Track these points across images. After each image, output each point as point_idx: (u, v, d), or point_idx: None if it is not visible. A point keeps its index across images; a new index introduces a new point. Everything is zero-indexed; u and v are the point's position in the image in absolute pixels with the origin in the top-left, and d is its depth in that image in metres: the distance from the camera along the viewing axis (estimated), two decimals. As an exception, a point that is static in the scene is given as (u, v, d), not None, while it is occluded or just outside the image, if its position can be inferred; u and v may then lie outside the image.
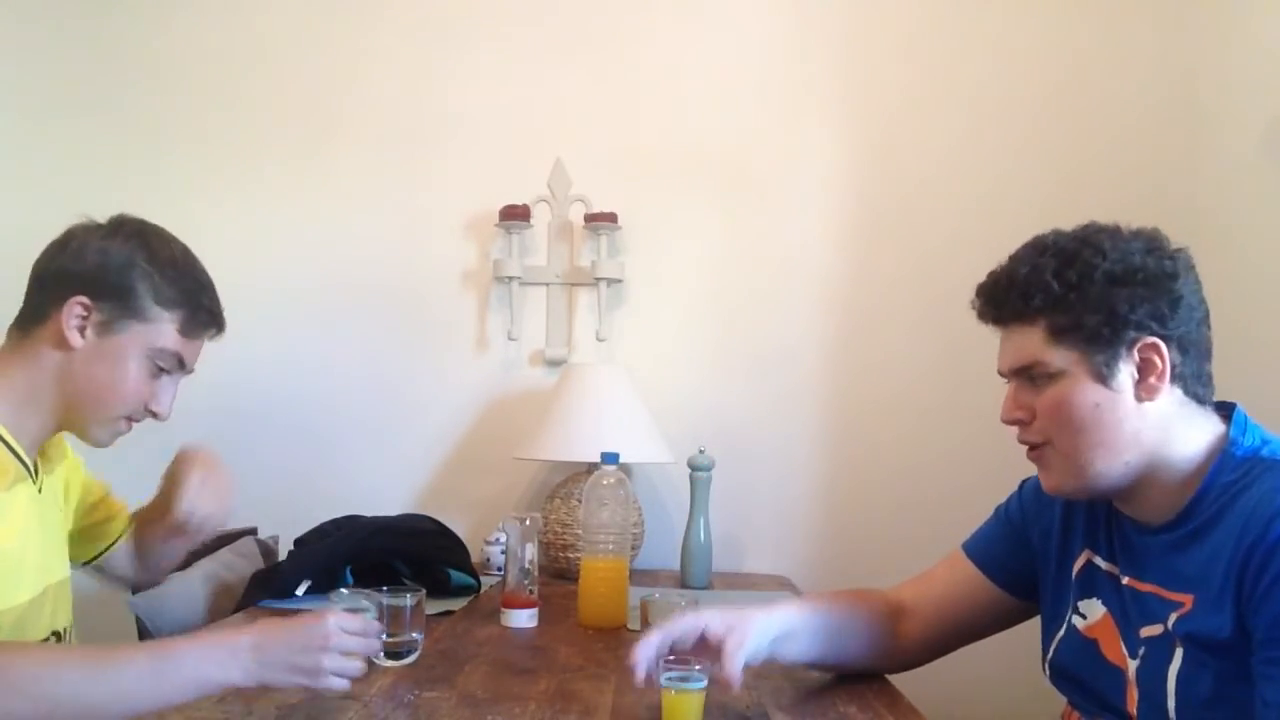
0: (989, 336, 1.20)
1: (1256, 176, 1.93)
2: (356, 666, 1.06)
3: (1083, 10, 2.21)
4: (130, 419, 1.29)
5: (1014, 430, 1.16)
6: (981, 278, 1.16)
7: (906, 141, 2.23)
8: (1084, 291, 1.05)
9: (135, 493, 1.53)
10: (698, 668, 1.05)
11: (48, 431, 1.28)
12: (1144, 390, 1.06)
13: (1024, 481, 1.33)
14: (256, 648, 1.02)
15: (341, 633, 1.05)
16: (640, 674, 1.06)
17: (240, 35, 2.31)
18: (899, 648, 1.31)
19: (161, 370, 1.28)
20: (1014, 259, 1.13)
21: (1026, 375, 1.11)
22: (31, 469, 1.27)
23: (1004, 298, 1.11)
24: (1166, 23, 2.18)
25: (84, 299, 1.22)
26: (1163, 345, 1.05)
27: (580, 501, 1.96)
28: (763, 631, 1.16)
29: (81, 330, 1.22)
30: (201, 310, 1.30)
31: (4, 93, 2.34)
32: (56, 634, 1.30)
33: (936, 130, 2.22)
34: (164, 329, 1.26)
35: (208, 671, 1.00)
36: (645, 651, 1.08)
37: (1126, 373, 1.06)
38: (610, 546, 1.55)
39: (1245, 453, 1.05)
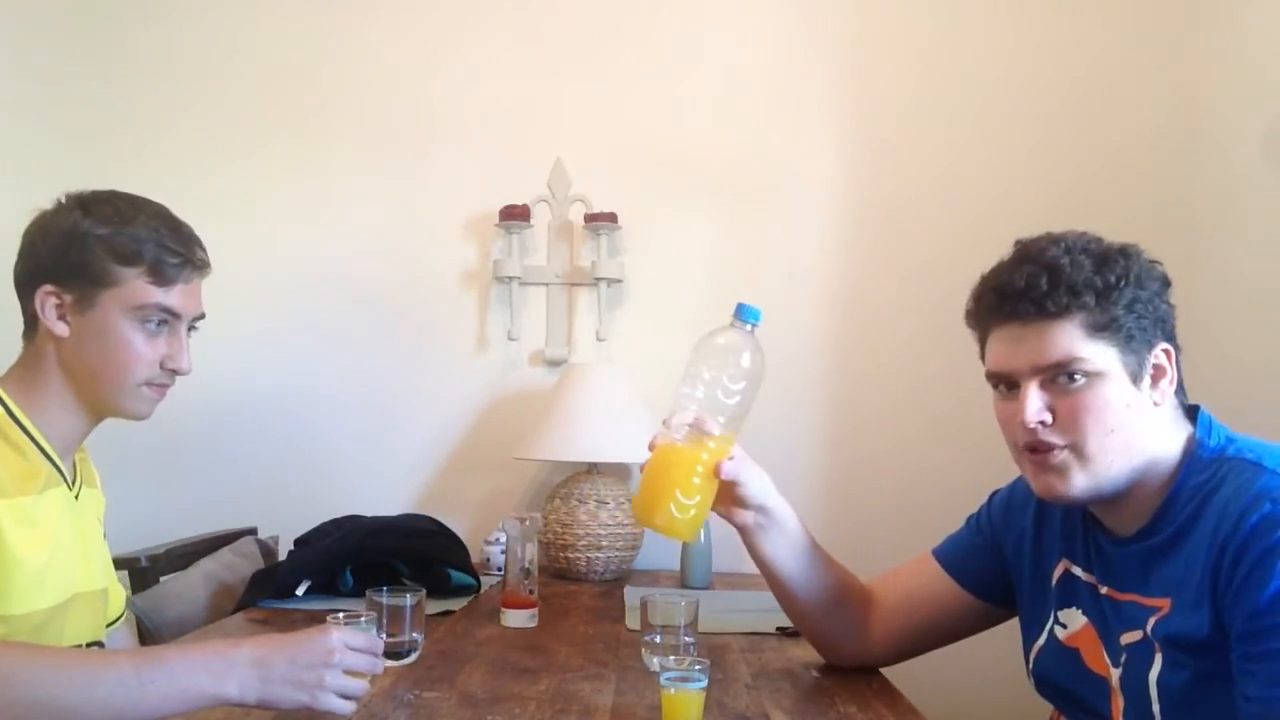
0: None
1: (1256, 178, 1.93)
2: (361, 686, 1.02)
3: (1083, 14, 2.21)
4: (152, 384, 1.25)
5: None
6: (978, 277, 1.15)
7: (908, 143, 2.23)
8: (1122, 291, 1.05)
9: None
10: (698, 667, 1.05)
11: (80, 429, 1.27)
12: (1158, 395, 1.07)
13: (993, 494, 1.34)
14: (257, 661, 0.97)
15: (345, 648, 1.00)
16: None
17: (238, 34, 2.31)
18: (868, 634, 1.33)
19: (159, 326, 1.24)
20: (1046, 254, 1.07)
21: (1053, 374, 1.06)
22: (66, 474, 1.25)
23: (1048, 291, 1.05)
24: (1167, 25, 2.18)
25: (49, 286, 1.21)
26: (1173, 351, 1.07)
27: (580, 501, 1.96)
28: (767, 486, 1.27)
29: (61, 317, 1.21)
30: (166, 252, 1.23)
31: (9, 98, 2.33)
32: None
33: (938, 132, 2.22)
34: (135, 286, 1.22)
35: (199, 683, 0.94)
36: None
37: (1147, 376, 1.07)
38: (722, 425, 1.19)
39: (1211, 453, 1.06)
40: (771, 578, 1.33)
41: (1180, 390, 1.10)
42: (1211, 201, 2.07)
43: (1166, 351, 1.07)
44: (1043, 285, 1.06)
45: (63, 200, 1.25)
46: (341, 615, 1.12)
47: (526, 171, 2.25)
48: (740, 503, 1.25)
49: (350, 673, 1.01)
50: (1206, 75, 2.13)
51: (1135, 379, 1.05)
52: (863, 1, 2.25)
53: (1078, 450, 1.06)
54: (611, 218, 2.20)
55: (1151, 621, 1.04)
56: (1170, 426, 1.08)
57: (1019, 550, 1.25)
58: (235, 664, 0.96)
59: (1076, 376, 1.05)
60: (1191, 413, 1.11)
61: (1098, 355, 1.05)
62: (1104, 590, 1.12)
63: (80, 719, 0.92)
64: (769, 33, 2.26)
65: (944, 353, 2.18)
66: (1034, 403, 1.07)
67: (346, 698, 1.00)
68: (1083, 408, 1.05)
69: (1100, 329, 1.05)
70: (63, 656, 1.00)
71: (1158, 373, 1.07)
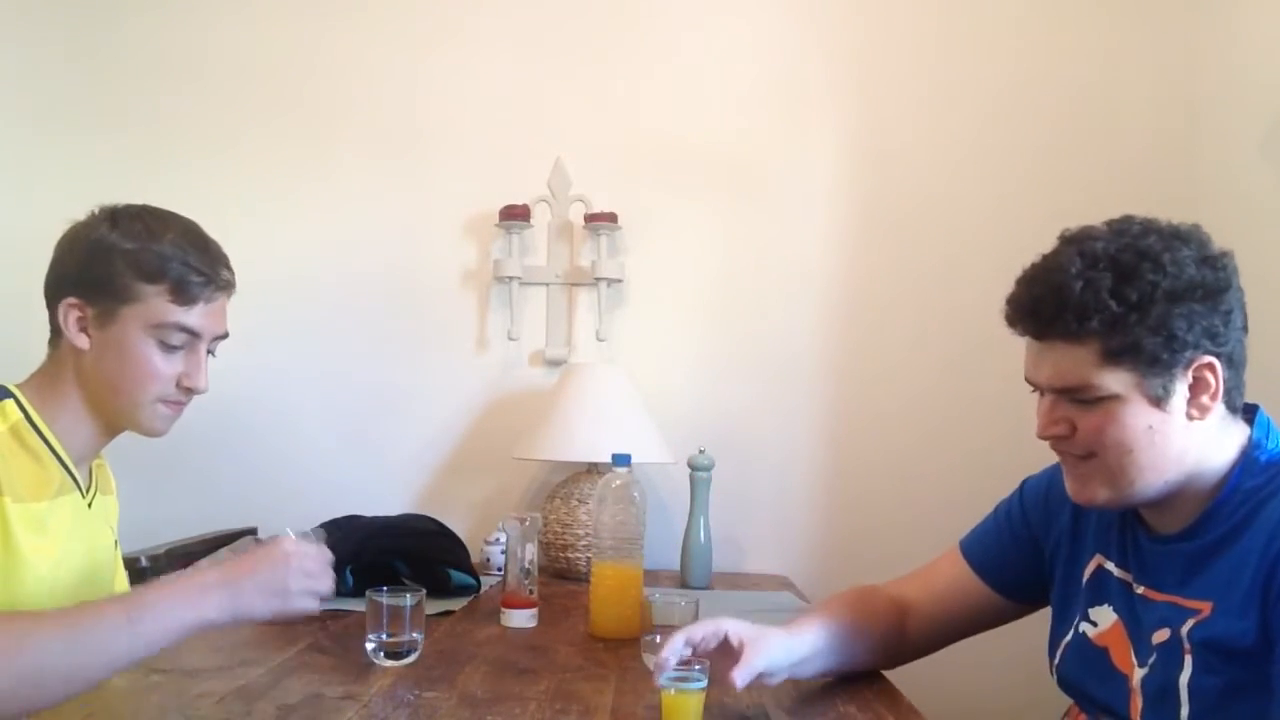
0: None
1: (1257, 178, 1.93)
2: (326, 585, 1.11)
3: (1084, 16, 2.21)
4: (167, 401, 1.25)
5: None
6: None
7: (909, 144, 2.23)
8: (1144, 312, 0.98)
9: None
10: (697, 667, 1.04)
11: (96, 439, 1.27)
12: (1196, 409, 1.01)
13: (1024, 481, 1.30)
14: (226, 583, 1.04)
15: (300, 551, 1.09)
16: (664, 672, 1.03)
17: (237, 34, 2.31)
18: (906, 645, 1.31)
19: (178, 344, 1.24)
20: (1060, 270, 1.02)
21: (1068, 394, 1.04)
22: (80, 482, 1.26)
23: (1055, 316, 1.01)
24: (1167, 27, 2.18)
25: (73, 299, 1.22)
26: (1218, 364, 1.01)
27: (580, 501, 1.96)
28: (785, 650, 1.14)
29: (84, 329, 1.22)
30: (190, 271, 1.23)
31: (10, 99, 2.33)
32: None
33: (939, 133, 2.22)
34: (155, 304, 1.22)
35: (182, 614, 1.00)
36: (670, 650, 1.06)
37: (1180, 393, 1.01)
38: (614, 552, 1.47)
39: (1270, 457, 1.02)
40: (824, 675, 1.27)
41: (1239, 395, 1.05)
42: (1212, 202, 2.06)
43: (1209, 365, 1.00)
44: (1048, 311, 1.02)
45: (95, 213, 1.26)
46: (289, 530, 1.17)
47: (526, 171, 2.25)
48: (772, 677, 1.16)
49: (309, 576, 1.10)
50: (1206, 76, 2.13)
51: (1159, 401, 1.00)
52: (864, 1, 2.25)
53: (1099, 464, 1.04)
54: (611, 218, 2.20)
55: (1189, 624, 1.01)
56: (1217, 436, 1.04)
57: (1058, 544, 1.22)
58: (207, 589, 1.03)
59: (1089, 399, 1.02)
60: (1250, 412, 1.07)
61: (1113, 381, 1.00)
62: (1140, 590, 1.09)
63: (87, 673, 0.96)
64: (770, 32, 2.26)
65: (946, 353, 2.19)
66: (1045, 417, 1.07)
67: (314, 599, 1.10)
68: (1098, 428, 1.02)
69: (1117, 354, 0.99)
70: (57, 621, 1.02)
71: (1198, 386, 1.01)
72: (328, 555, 1.14)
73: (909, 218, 2.22)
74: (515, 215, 2.19)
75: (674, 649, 1.06)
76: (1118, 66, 2.19)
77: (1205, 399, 1.01)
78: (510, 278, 2.22)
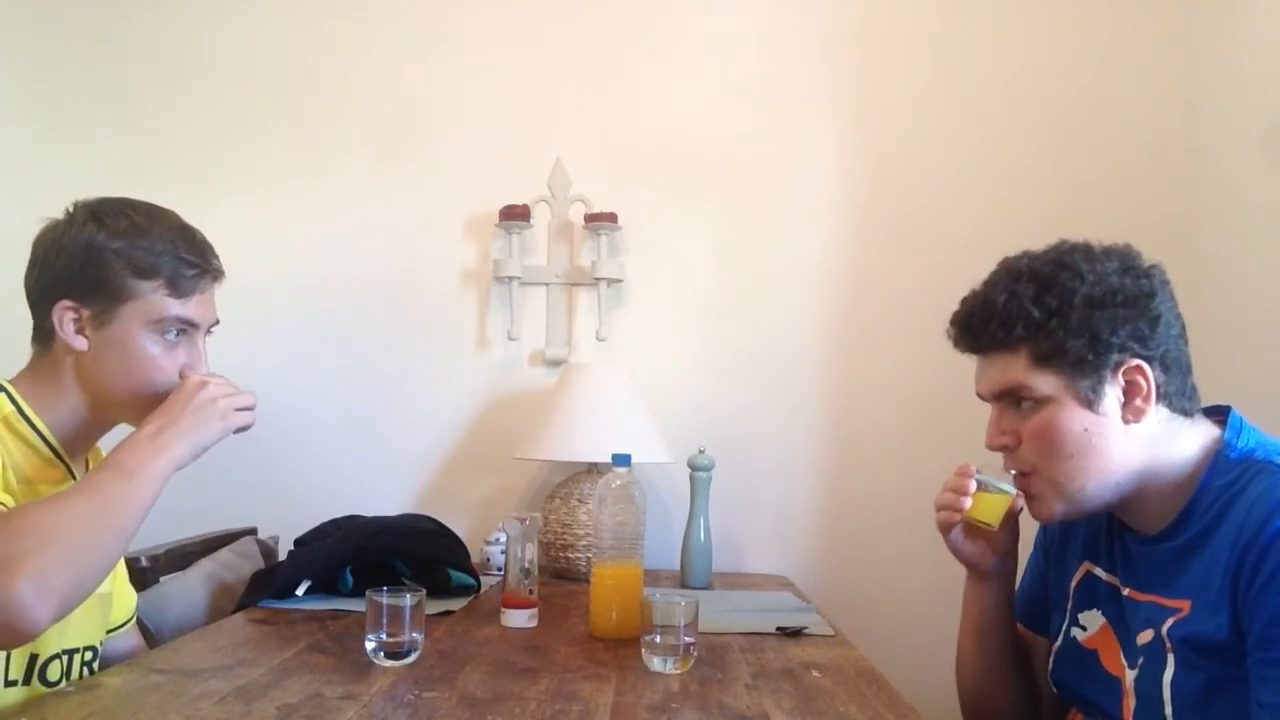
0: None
1: (1257, 179, 1.93)
2: (248, 399, 1.25)
3: (1084, 17, 2.21)
4: None
5: None
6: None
7: (909, 145, 2.23)
8: (1065, 316, 1.05)
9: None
10: (1011, 474, 1.16)
11: (91, 434, 1.28)
12: (1130, 413, 1.06)
13: None
14: (167, 425, 1.16)
15: (208, 379, 1.21)
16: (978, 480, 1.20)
17: (241, 37, 2.31)
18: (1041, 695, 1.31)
19: (177, 335, 1.25)
20: (989, 286, 1.12)
21: (1011, 399, 1.11)
22: (76, 476, 1.26)
23: (982, 328, 1.11)
24: (1167, 28, 2.18)
25: (67, 301, 1.21)
26: (1146, 366, 1.05)
27: (580, 501, 1.97)
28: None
29: (80, 331, 1.22)
30: (183, 264, 1.24)
31: (9, 98, 2.34)
32: (74, 652, 1.25)
33: (939, 134, 2.22)
34: (154, 299, 1.22)
35: (158, 462, 1.13)
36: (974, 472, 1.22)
37: (1113, 396, 1.06)
38: (614, 552, 1.46)
39: (1239, 455, 1.05)
40: (978, 630, 1.31)
41: (1184, 398, 1.08)
42: (1212, 202, 2.07)
43: (1137, 368, 1.05)
44: (977, 324, 1.12)
45: (73, 210, 1.24)
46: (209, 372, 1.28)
47: (526, 171, 2.25)
48: (995, 545, 1.27)
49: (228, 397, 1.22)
50: (1206, 77, 2.13)
51: (1091, 404, 1.05)
52: (864, 2, 2.25)
53: (1045, 477, 1.09)
54: (611, 218, 2.20)
55: (1169, 622, 1.03)
56: (1164, 437, 1.07)
57: (1047, 555, 1.27)
58: (158, 437, 1.15)
59: (1024, 402, 1.09)
60: (1222, 413, 1.10)
61: (1044, 383, 1.07)
62: (1126, 591, 1.12)
63: (116, 535, 1.07)
64: (771, 32, 2.26)
65: (946, 354, 2.17)
66: (993, 428, 1.14)
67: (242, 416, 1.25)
68: (1036, 434, 1.08)
69: (1045, 358, 1.06)
70: (75, 498, 1.08)
71: (1131, 390, 1.05)
72: (228, 377, 1.26)
73: (909, 218, 2.22)
74: (515, 215, 2.19)
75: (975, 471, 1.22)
76: (1118, 66, 2.20)
77: (1139, 402, 1.05)
78: (510, 278, 2.22)
